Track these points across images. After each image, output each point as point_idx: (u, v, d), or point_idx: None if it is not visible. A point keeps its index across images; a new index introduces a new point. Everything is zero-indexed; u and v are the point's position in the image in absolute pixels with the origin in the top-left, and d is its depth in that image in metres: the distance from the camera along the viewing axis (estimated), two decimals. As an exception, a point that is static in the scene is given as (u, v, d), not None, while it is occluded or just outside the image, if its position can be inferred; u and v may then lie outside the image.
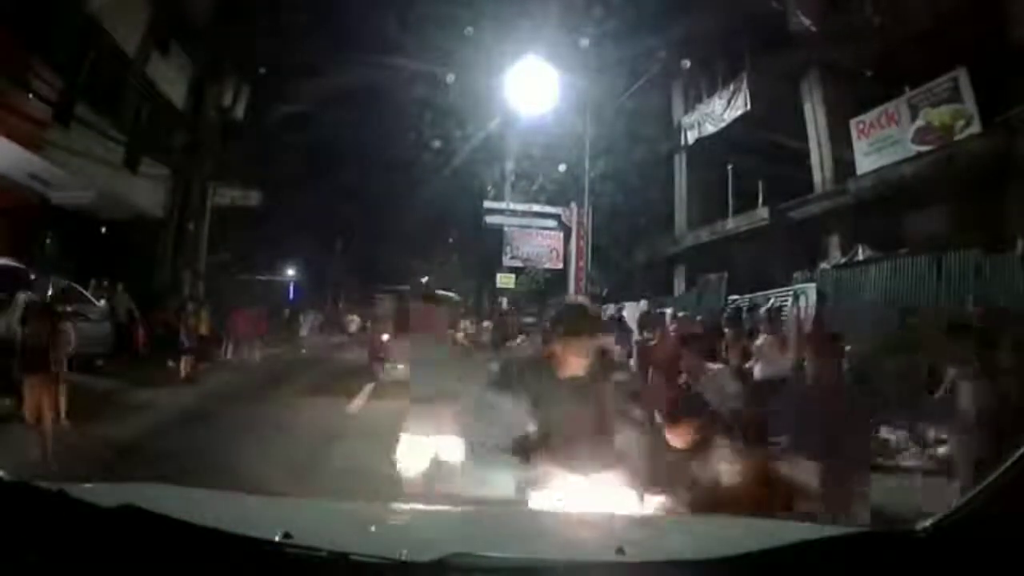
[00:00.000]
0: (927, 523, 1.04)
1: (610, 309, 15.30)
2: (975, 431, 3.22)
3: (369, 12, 20.14)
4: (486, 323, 13.67)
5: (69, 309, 6.88)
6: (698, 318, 9.54)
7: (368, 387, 10.47)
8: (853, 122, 11.54)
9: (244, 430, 6.66)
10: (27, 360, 4.99)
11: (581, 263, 16.48)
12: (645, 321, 10.35)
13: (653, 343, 8.16)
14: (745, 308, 10.47)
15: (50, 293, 5.58)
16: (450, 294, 16.24)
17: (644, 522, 2.08)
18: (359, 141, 28.37)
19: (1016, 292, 6.89)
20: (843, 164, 11.94)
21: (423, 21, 17.54)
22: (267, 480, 4.35)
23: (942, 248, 8.14)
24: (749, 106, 13.81)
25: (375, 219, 32.26)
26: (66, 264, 11.38)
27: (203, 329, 12.36)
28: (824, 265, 11.10)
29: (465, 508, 1.70)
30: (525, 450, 2.16)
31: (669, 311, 13.35)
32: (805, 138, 13.01)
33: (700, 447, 2.60)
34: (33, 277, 7.17)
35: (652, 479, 2.32)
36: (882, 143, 11.03)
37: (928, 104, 10.20)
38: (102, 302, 11.07)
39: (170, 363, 11.96)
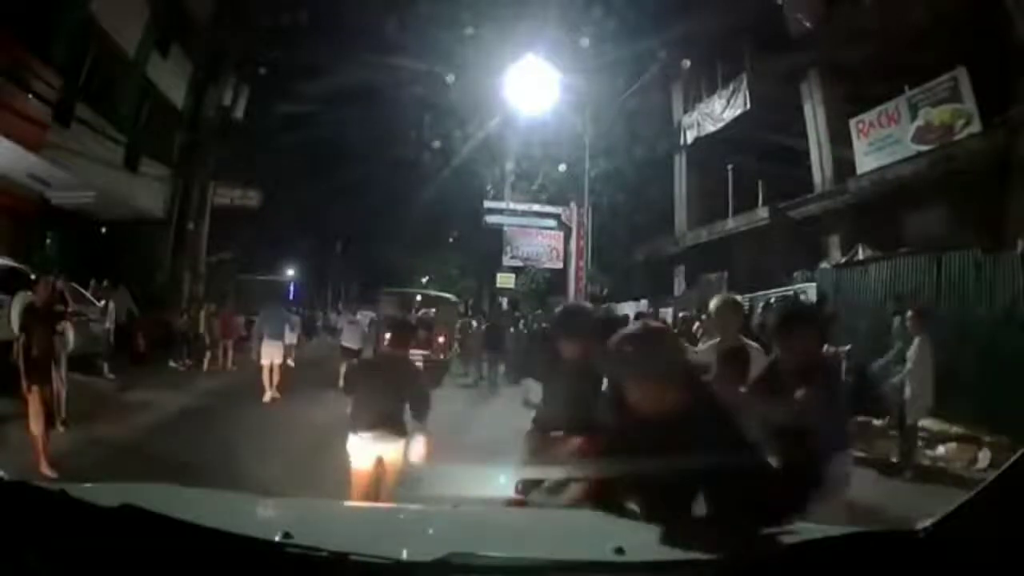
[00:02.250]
0: (927, 523, 1.04)
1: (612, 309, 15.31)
2: None
3: (369, 12, 20.16)
4: (483, 324, 13.71)
5: (69, 309, 6.82)
6: (703, 318, 9.53)
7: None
8: (853, 122, 11.53)
9: (240, 429, 6.67)
10: (30, 368, 4.81)
11: (581, 263, 16.50)
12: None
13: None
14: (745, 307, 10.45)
15: (51, 295, 5.42)
16: (449, 295, 16.21)
17: (644, 522, 2.08)
18: (359, 141, 28.43)
19: (1016, 292, 6.90)
20: (843, 163, 11.93)
21: (423, 21, 17.56)
22: (267, 481, 4.36)
23: (942, 248, 8.14)
24: (749, 105, 13.80)
25: (375, 219, 32.34)
26: (66, 264, 11.39)
27: (201, 328, 12.40)
28: (824, 265, 11.10)
29: (465, 508, 1.70)
30: None
31: (669, 311, 13.38)
32: (805, 138, 13.01)
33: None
34: (34, 278, 7.07)
35: None
36: (882, 142, 11.02)
37: (928, 103, 10.19)
38: (102, 302, 11.09)
39: (171, 363, 12.01)
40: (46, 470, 4.62)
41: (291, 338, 11.49)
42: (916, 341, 5.86)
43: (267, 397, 8.83)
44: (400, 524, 1.62)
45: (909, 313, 6.15)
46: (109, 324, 10.58)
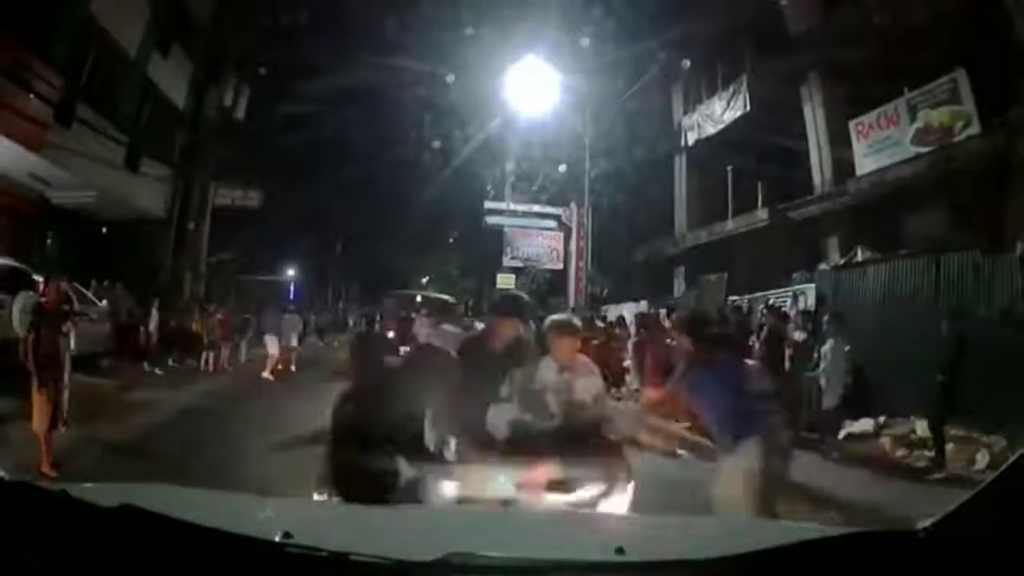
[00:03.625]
0: (927, 523, 1.04)
1: (610, 310, 15.32)
2: None
3: (370, 12, 20.18)
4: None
5: (74, 309, 6.82)
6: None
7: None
8: (852, 123, 11.54)
9: (238, 429, 6.67)
10: (38, 368, 4.79)
11: (581, 263, 16.49)
12: (642, 322, 10.54)
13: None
14: (743, 308, 10.52)
15: (59, 296, 5.41)
16: (447, 297, 16.16)
17: (644, 522, 2.09)
18: (360, 141, 28.43)
19: (1015, 293, 6.90)
20: (843, 165, 11.94)
21: (424, 22, 17.57)
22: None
23: (941, 249, 8.14)
24: (749, 107, 13.80)
25: (375, 219, 32.31)
26: (67, 264, 11.38)
27: (200, 329, 12.37)
28: (823, 266, 11.10)
29: (465, 508, 1.70)
30: None
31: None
32: (805, 139, 13.01)
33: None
34: (42, 279, 7.05)
35: None
36: (881, 144, 11.03)
37: (927, 105, 10.20)
38: (103, 302, 11.09)
39: (171, 362, 12.00)
40: (47, 470, 4.61)
41: (292, 340, 12.60)
42: (829, 343, 6.78)
43: (265, 374, 11.34)
44: (400, 524, 1.62)
45: (825, 317, 7.04)
46: (151, 328, 11.53)
